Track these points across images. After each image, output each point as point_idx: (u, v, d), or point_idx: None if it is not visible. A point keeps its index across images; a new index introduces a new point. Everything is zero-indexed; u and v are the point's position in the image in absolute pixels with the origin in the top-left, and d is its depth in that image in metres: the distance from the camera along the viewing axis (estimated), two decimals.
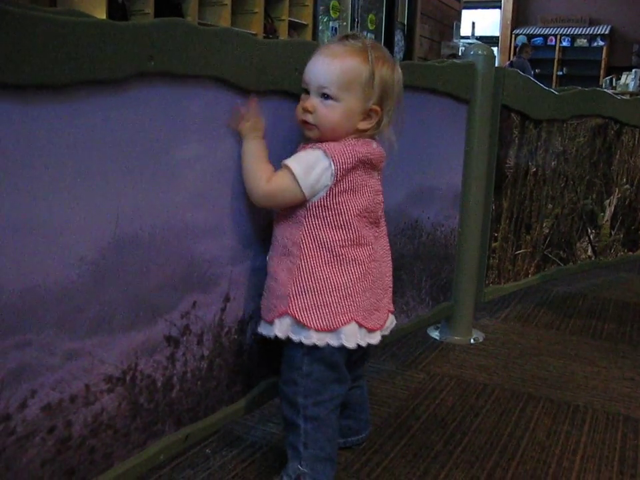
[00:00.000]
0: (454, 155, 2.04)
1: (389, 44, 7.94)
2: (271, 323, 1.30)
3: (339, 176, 1.24)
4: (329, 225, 1.26)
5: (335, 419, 1.34)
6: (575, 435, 1.62)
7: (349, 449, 1.50)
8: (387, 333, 1.39)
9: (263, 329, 1.33)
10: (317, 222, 1.26)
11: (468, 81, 2.00)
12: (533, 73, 9.70)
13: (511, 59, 11.05)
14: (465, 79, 1.99)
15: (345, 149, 1.25)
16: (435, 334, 2.27)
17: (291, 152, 1.30)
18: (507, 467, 1.47)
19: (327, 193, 1.25)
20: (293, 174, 1.23)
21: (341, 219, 1.27)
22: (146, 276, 1.15)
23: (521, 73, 2.29)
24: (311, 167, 1.23)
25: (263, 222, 1.37)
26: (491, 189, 2.21)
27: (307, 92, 1.27)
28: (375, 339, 1.34)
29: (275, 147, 1.32)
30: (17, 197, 0.93)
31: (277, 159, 1.28)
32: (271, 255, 1.33)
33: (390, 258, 1.41)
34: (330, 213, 1.26)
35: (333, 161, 1.23)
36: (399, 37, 8.27)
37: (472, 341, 2.24)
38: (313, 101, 1.25)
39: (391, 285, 1.42)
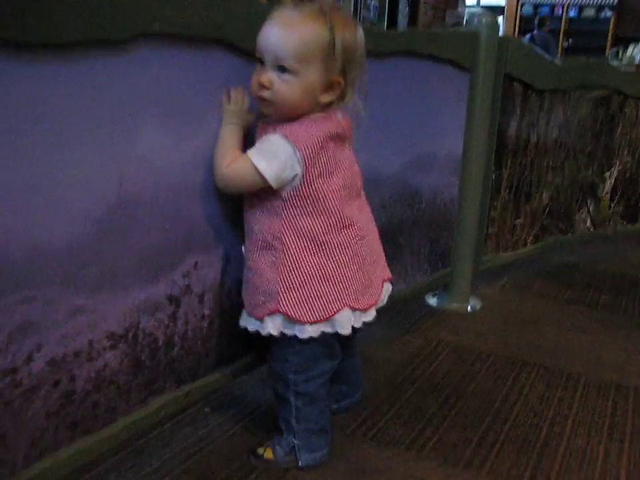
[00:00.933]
0: (454, 123, 2.05)
1: (393, 12, 7.87)
2: (261, 320, 1.27)
3: (307, 162, 1.18)
4: (309, 214, 1.22)
5: (325, 392, 1.35)
6: (567, 401, 1.66)
7: (343, 413, 1.53)
8: (382, 304, 1.38)
9: (250, 324, 1.31)
10: (295, 212, 1.22)
11: (471, 48, 2.00)
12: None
13: (518, 28, 10.93)
14: (468, 46, 1.99)
15: (309, 132, 1.18)
16: (433, 301, 2.30)
17: None
18: (500, 430, 1.50)
19: (300, 181, 1.19)
20: (252, 160, 1.18)
21: (320, 205, 1.22)
22: (148, 235, 1.17)
23: (536, 46, 2.28)
24: (272, 156, 1.17)
25: None
26: (492, 158, 2.22)
27: (262, 62, 1.17)
28: (370, 315, 1.33)
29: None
30: (23, 156, 0.95)
31: None
32: (250, 249, 1.28)
33: (374, 223, 1.37)
34: (308, 201, 1.21)
35: (297, 147, 1.17)
36: (403, 5, 8.18)
37: (469, 308, 2.27)
38: (269, 75, 1.16)
39: (381, 250, 1.39)
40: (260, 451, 1.35)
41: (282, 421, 1.36)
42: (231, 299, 1.38)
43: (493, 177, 2.27)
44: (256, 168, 1.17)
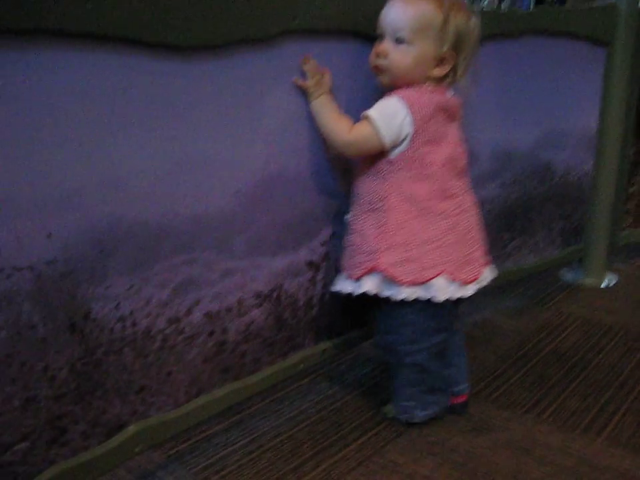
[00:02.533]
0: (589, 99, 2.06)
1: None
2: (358, 279, 1.31)
3: (417, 124, 1.23)
4: (413, 178, 1.26)
5: (438, 360, 1.38)
6: None
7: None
8: (483, 283, 1.38)
9: (345, 286, 1.35)
10: (401, 175, 1.26)
11: (609, 23, 1.99)
12: None
13: None
14: (606, 21, 1.98)
15: (421, 97, 1.24)
16: (568, 275, 2.32)
17: None
18: (622, 401, 1.54)
19: (409, 145, 1.24)
20: (373, 123, 1.24)
21: (425, 170, 1.26)
22: (291, 208, 1.31)
23: None
24: (389, 116, 1.23)
25: None
26: (630, 132, 2.20)
27: (382, 38, 1.26)
28: (468, 291, 1.33)
29: None
30: (189, 138, 1.12)
31: None
32: (355, 212, 1.34)
33: (476, 211, 1.38)
34: (414, 165, 1.26)
35: (410, 109, 1.23)
36: None
37: (604, 284, 2.27)
38: (386, 45, 1.24)
39: (482, 238, 1.39)
40: (386, 409, 1.45)
41: (398, 389, 1.41)
42: None
43: (632, 152, 2.25)
44: (378, 131, 1.23)
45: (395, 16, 1.24)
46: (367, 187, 1.31)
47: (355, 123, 1.28)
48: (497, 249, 1.82)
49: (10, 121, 0.89)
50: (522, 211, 1.90)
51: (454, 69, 1.27)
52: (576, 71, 1.97)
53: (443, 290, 1.28)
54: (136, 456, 1.21)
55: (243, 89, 1.18)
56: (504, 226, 1.87)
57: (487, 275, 1.40)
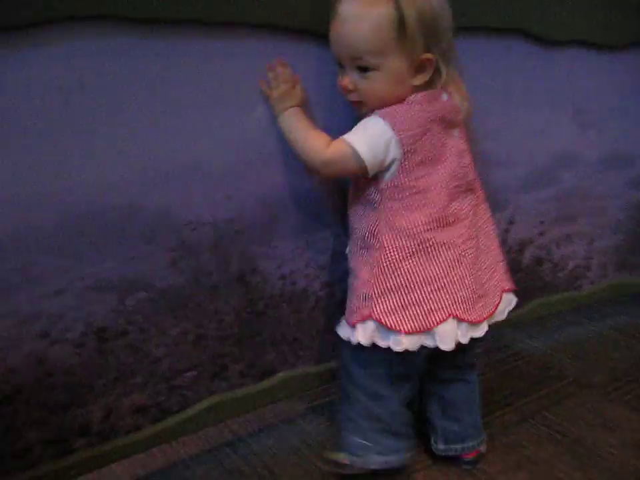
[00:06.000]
0: None
1: None
2: (353, 327, 1.12)
3: (406, 146, 1.04)
4: (407, 208, 1.07)
5: (403, 395, 1.20)
6: None
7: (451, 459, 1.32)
8: (501, 317, 1.19)
9: (343, 331, 1.17)
10: (394, 205, 1.07)
11: None
12: None
13: None
14: None
15: (409, 112, 1.04)
16: None
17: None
18: None
19: (399, 170, 1.05)
20: (350, 144, 1.05)
21: (422, 197, 1.07)
22: None
23: None
24: (369, 137, 1.04)
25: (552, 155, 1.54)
26: None
27: (342, 67, 1.06)
28: (480, 331, 1.13)
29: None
30: None
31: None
32: (351, 249, 1.17)
33: (492, 226, 1.20)
34: (407, 193, 1.06)
35: (395, 129, 1.03)
36: None
37: None
38: (350, 78, 1.05)
39: (501, 256, 1.21)
40: (335, 456, 1.22)
41: (349, 421, 1.22)
42: (511, 256, 1.56)
43: None
44: (355, 150, 1.04)
45: (345, 41, 1.02)
46: (358, 219, 1.14)
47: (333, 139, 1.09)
48: None
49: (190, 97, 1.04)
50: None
51: (437, 71, 1.06)
52: None
53: (450, 335, 1.08)
54: (280, 401, 1.37)
55: None
56: None
57: (507, 304, 1.21)
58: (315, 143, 1.08)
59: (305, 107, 1.12)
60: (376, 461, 1.18)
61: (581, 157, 1.58)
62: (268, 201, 1.15)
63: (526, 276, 1.62)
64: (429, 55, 1.03)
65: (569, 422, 1.44)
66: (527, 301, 1.66)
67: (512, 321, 1.63)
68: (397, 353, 1.08)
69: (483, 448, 1.30)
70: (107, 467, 1.28)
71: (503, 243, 1.53)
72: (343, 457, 1.20)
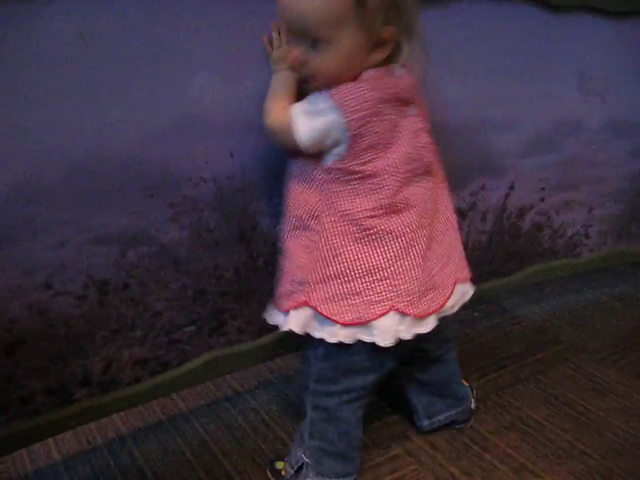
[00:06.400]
0: None
1: None
2: (286, 312, 1.06)
3: (354, 128, 0.94)
4: (353, 192, 0.98)
5: (353, 414, 1.12)
6: None
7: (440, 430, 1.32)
8: (451, 311, 1.10)
9: (273, 318, 1.12)
10: (338, 188, 0.98)
11: None
12: None
13: None
14: None
15: (358, 93, 0.93)
16: None
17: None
18: None
19: (346, 152, 0.96)
20: (292, 116, 0.98)
21: (369, 182, 0.97)
22: (447, 157, 1.39)
23: None
24: (313, 113, 0.97)
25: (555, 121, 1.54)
26: None
27: (291, 40, 0.98)
28: (427, 326, 1.04)
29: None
30: None
31: None
32: (285, 227, 1.07)
33: (449, 212, 1.11)
34: (354, 177, 0.97)
35: (343, 110, 0.94)
36: None
37: None
38: (298, 51, 0.95)
39: (458, 244, 1.13)
40: (279, 465, 1.20)
41: (299, 433, 1.19)
42: (510, 221, 1.58)
43: None
44: (294, 125, 0.98)
45: (295, 11, 0.91)
46: (296, 196, 1.04)
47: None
48: None
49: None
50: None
51: (396, 45, 0.97)
52: None
53: (391, 330, 1.00)
54: (278, 358, 1.39)
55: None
56: None
57: (460, 296, 1.11)
58: (273, 107, 1.02)
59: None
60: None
61: (584, 124, 1.59)
62: (269, 158, 1.16)
63: (525, 241, 1.63)
64: (389, 30, 0.93)
65: (563, 386, 1.47)
66: (525, 266, 1.67)
67: (511, 286, 1.66)
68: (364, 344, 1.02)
69: (468, 412, 1.31)
70: (107, 418, 1.31)
71: (503, 208, 1.54)
72: (281, 467, 1.19)
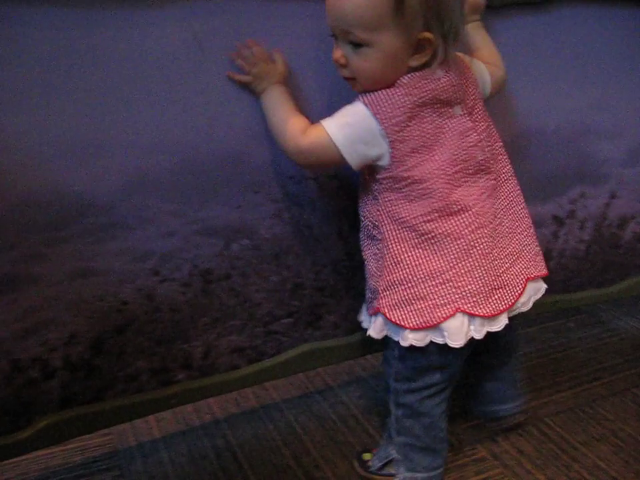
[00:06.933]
0: None
1: None
2: (370, 317, 1.14)
3: (392, 134, 0.96)
4: (407, 198, 0.99)
5: (437, 407, 1.13)
6: None
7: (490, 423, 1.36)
8: (525, 308, 1.09)
9: (364, 321, 1.20)
10: (392, 196, 1.01)
11: None
12: None
13: None
14: None
15: (394, 99, 0.95)
16: None
17: None
18: None
19: (390, 160, 0.98)
20: (327, 133, 0.98)
21: (419, 187, 0.98)
22: (545, 162, 1.40)
23: None
24: (348, 125, 0.97)
25: None
26: None
27: (335, 39, 0.97)
28: (499, 324, 1.04)
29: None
30: None
31: None
32: (360, 237, 1.13)
33: (516, 208, 1.10)
34: (404, 183, 0.99)
35: (379, 117, 0.95)
36: None
37: None
38: (342, 52, 0.96)
39: (529, 241, 1.10)
40: (365, 456, 1.25)
41: (385, 430, 1.24)
42: (610, 231, 1.55)
43: None
44: (332, 139, 0.97)
45: (337, 12, 0.92)
46: (364, 208, 1.09)
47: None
48: None
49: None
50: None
51: (436, 49, 0.95)
52: None
53: (459, 331, 1.01)
54: (370, 355, 1.42)
55: (516, 49, 1.27)
56: None
57: (533, 291, 1.10)
58: (291, 127, 1.01)
59: (287, 81, 1.05)
60: (405, 477, 1.17)
61: None
62: None
63: (625, 252, 1.60)
64: (427, 35, 0.93)
65: None
66: (625, 277, 1.63)
67: (608, 297, 1.63)
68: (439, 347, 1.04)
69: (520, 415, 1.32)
70: (204, 402, 1.38)
71: (603, 217, 1.52)
72: (368, 458, 1.23)
